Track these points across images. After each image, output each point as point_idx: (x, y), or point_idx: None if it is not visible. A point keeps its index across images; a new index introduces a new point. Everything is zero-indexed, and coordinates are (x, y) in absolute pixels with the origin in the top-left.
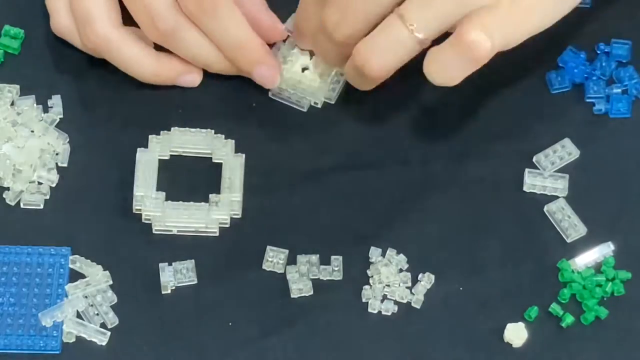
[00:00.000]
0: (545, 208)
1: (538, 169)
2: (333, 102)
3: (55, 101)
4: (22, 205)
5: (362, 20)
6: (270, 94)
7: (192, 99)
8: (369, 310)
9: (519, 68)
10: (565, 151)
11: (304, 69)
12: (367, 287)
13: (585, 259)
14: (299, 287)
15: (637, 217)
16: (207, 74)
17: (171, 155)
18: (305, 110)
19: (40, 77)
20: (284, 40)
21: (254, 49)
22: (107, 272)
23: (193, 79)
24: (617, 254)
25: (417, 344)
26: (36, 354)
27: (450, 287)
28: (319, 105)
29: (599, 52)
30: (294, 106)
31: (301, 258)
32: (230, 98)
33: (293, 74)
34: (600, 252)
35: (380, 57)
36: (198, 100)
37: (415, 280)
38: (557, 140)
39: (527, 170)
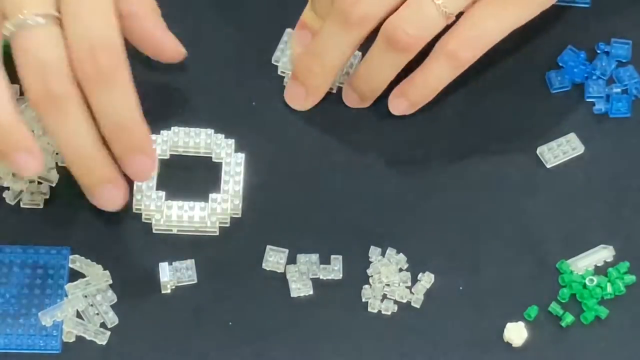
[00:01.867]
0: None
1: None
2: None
3: None
4: (22, 205)
5: None
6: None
7: (192, 99)
8: (369, 309)
9: (519, 68)
10: (570, 146)
11: None
12: (367, 286)
13: (585, 262)
14: (299, 286)
15: (637, 217)
16: (208, 75)
17: (171, 155)
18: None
19: None
20: None
21: (138, 134)
22: (107, 272)
23: (115, 194)
24: (617, 253)
25: (417, 344)
26: (36, 353)
27: (450, 287)
28: (334, 90)
29: (599, 52)
30: None
31: (301, 258)
32: (230, 98)
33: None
34: (600, 256)
35: (411, 28)
36: (198, 100)
37: (415, 280)
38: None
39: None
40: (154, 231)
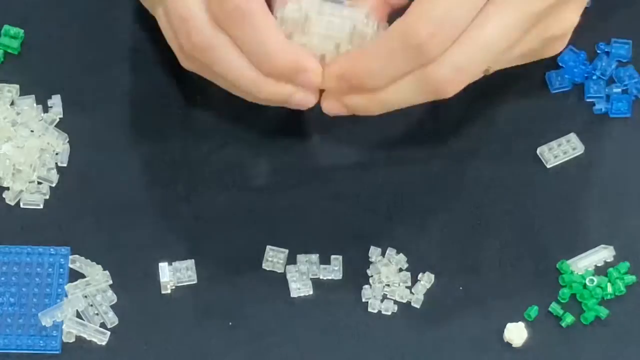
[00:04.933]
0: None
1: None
2: None
3: (55, 101)
4: (22, 205)
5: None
6: None
7: (193, 101)
8: (369, 310)
9: (519, 68)
10: (570, 146)
11: None
12: (367, 286)
13: (585, 262)
14: (299, 286)
15: (637, 217)
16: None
17: None
18: None
19: (40, 77)
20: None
21: (280, 62)
22: (107, 272)
23: (306, 98)
24: (617, 253)
25: (417, 344)
26: (36, 354)
27: (450, 287)
28: None
29: (599, 52)
30: None
31: (301, 258)
32: (230, 100)
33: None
34: (600, 256)
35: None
36: (198, 101)
37: (415, 280)
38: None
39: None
40: None
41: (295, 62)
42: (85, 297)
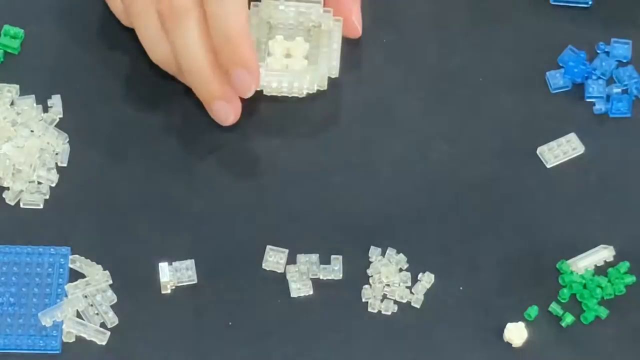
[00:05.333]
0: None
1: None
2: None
3: (55, 101)
4: (21, 205)
5: None
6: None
7: (193, 100)
8: (369, 310)
9: (519, 68)
10: (570, 146)
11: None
12: (367, 286)
13: (585, 262)
14: (299, 286)
15: (637, 217)
16: None
17: None
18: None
19: (40, 77)
20: None
21: (242, 48)
22: (107, 272)
23: (225, 110)
24: (617, 253)
25: (417, 344)
26: (36, 353)
27: (450, 287)
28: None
29: (599, 52)
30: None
31: (301, 258)
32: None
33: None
34: (600, 256)
35: None
36: (199, 100)
37: (415, 280)
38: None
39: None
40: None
41: (242, 59)
42: (85, 297)
